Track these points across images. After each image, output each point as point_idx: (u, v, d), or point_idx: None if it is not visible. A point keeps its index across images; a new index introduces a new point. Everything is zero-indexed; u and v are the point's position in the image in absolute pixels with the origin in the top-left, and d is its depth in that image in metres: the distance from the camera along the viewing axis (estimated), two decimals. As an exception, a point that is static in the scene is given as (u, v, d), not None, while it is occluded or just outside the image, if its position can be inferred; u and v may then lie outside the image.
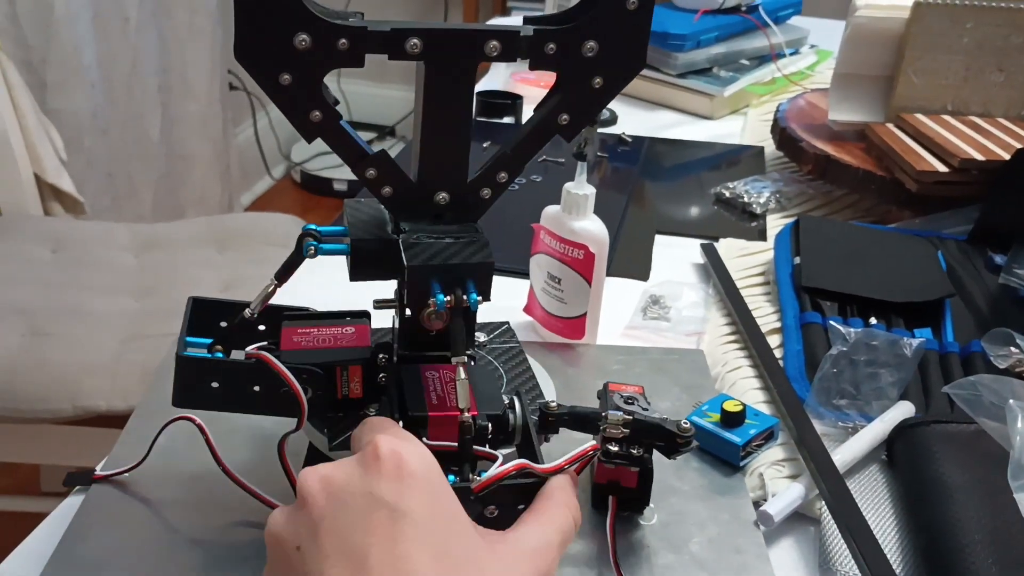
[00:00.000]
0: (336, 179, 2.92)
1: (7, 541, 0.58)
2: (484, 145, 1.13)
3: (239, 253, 1.54)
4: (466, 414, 0.48)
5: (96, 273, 1.45)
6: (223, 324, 0.56)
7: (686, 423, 0.53)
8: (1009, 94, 1.01)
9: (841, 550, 0.56)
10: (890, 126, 1.00)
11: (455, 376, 0.49)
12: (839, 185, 1.01)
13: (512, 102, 1.24)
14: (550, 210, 0.72)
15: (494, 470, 0.47)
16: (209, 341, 0.54)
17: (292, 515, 0.42)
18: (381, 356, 0.53)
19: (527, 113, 1.24)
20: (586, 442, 0.52)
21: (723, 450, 0.62)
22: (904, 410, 0.65)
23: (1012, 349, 0.69)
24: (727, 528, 0.57)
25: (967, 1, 0.98)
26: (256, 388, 0.51)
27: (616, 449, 0.54)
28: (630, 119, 1.27)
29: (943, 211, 0.93)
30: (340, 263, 0.53)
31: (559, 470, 0.49)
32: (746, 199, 1.02)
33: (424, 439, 0.49)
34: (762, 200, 1.01)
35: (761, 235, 0.96)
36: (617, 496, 0.55)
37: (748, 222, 1.00)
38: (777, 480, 0.61)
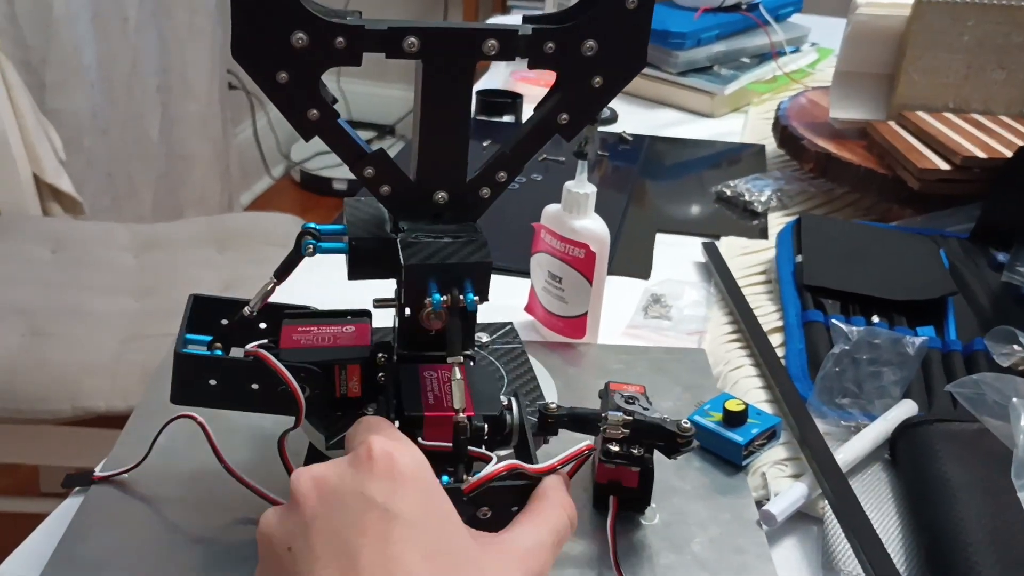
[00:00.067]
0: (336, 178, 2.92)
1: (6, 542, 0.58)
2: (484, 144, 1.13)
3: (239, 253, 1.54)
4: (461, 415, 0.48)
5: (96, 273, 1.45)
6: (224, 322, 0.55)
7: (686, 423, 0.53)
8: (1010, 92, 1.01)
9: (844, 549, 0.56)
10: (892, 124, 1.00)
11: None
12: (840, 183, 1.01)
13: (512, 100, 1.24)
14: (551, 209, 0.72)
15: (485, 471, 0.47)
16: (209, 338, 0.54)
17: (284, 515, 0.41)
18: (380, 355, 0.53)
19: (527, 112, 1.23)
20: (582, 443, 0.51)
21: (725, 449, 0.61)
22: (907, 409, 0.65)
23: (1015, 347, 0.68)
24: (729, 528, 0.57)
25: (968, -2, 0.98)
26: (254, 386, 0.51)
27: (617, 449, 0.54)
28: (630, 117, 1.27)
29: (945, 209, 0.92)
30: (342, 262, 0.53)
31: (551, 470, 0.48)
32: (747, 197, 1.01)
33: (420, 439, 0.48)
34: (763, 198, 1.01)
35: (762, 233, 0.96)
36: (618, 496, 0.55)
37: (749, 220, 0.99)
38: (780, 479, 0.61)
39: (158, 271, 1.47)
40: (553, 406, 0.54)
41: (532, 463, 0.49)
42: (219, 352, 0.54)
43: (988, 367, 0.69)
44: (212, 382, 0.51)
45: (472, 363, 0.54)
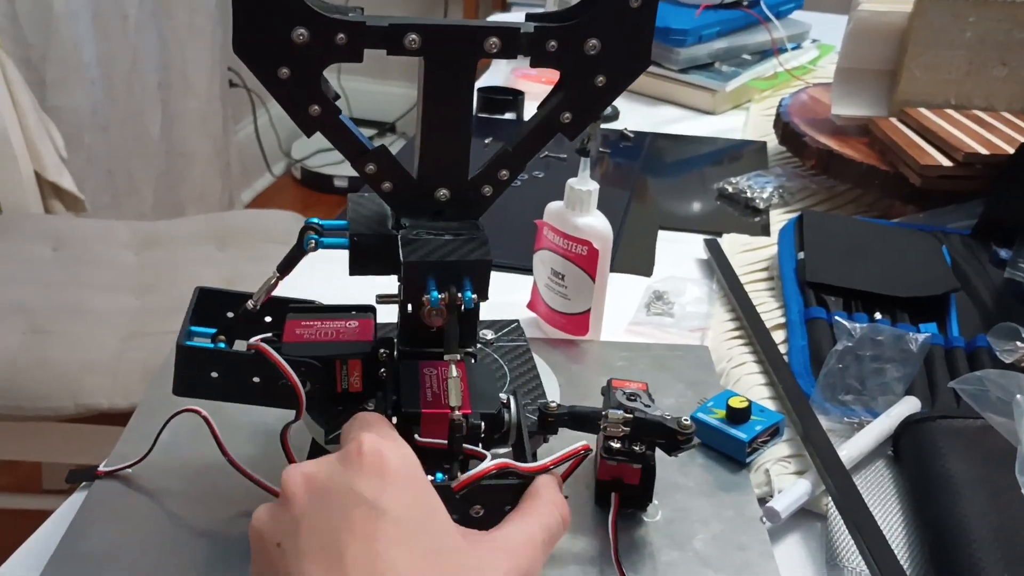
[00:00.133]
0: (336, 176, 2.92)
1: (8, 539, 0.58)
2: (486, 141, 1.13)
3: (240, 250, 1.53)
4: (457, 412, 0.48)
5: (97, 271, 1.45)
6: (229, 315, 0.56)
7: (686, 420, 0.53)
8: (1012, 88, 1.01)
9: (848, 546, 0.56)
10: (893, 120, 1.00)
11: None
12: (842, 180, 1.01)
13: (514, 98, 1.24)
14: (553, 206, 0.72)
15: (474, 468, 0.47)
16: (213, 331, 0.54)
17: (275, 512, 0.42)
18: (382, 351, 0.53)
19: (528, 109, 1.23)
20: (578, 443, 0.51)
21: (729, 446, 0.61)
22: (910, 405, 0.65)
23: (1018, 344, 0.68)
24: (731, 525, 0.57)
25: (970, -5, 0.98)
26: (256, 379, 0.51)
27: (618, 446, 0.54)
28: (632, 114, 1.27)
29: (947, 205, 0.92)
30: (347, 258, 0.53)
31: (544, 470, 0.48)
32: (749, 194, 1.01)
33: (416, 436, 0.48)
34: (765, 195, 1.01)
35: (764, 230, 0.96)
36: (620, 493, 0.55)
37: (751, 217, 0.99)
38: (783, 476, 0.61)
39: (159, 269, 1.47)
40: (553, 405, 0.53)
41: (527, 462, 0.49)
42: (222, 345, 0.54)
43: (991, 364, 0.69)
44: (213, 374, 0.51)
45: (473, 360, 0.54)
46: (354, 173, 0.51)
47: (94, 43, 1.98)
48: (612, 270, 0.73)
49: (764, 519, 0.57)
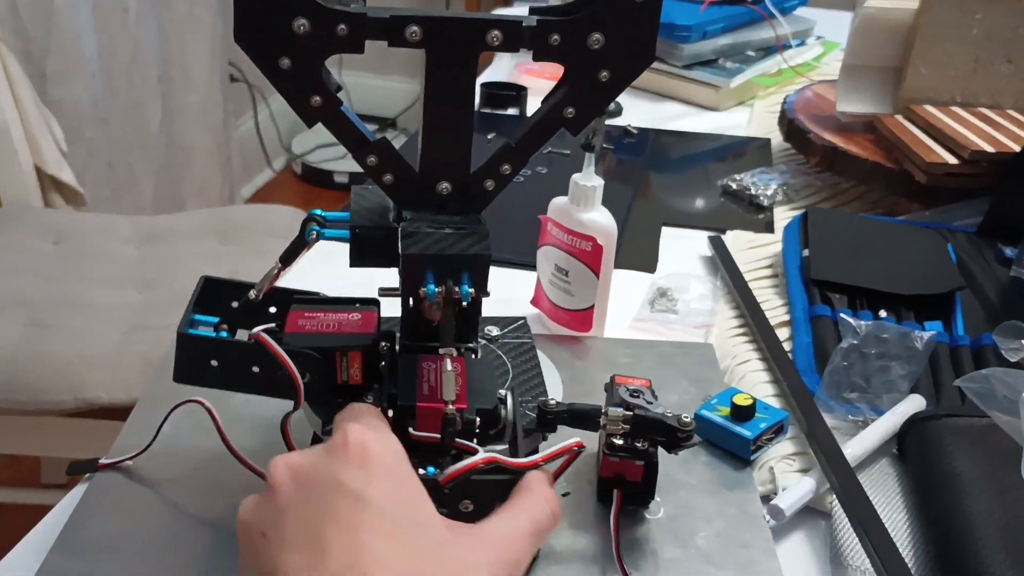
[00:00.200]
0: (337, 171, 2.91)
1: (7, 533, 0.57)
2: (488, 137, 1.13)
3: (240, 245, 1.53)
4: (450, 407, 0.48)
5: (97, 265, 1.44)
6: (234, 304, 0.56)
7: (687, 417, 0.52)
8: (1018, 85, 1.00)
9: (852, 544, 0.55)
10: (899, 118, 0.99)
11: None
12: (847, 177, 1.00)
13: (516, 93, 1.23)
14: (557, 202, 0.72)
15: (462, 462, 0.46)
16: (216, 320, 0.54)
17: (260, 502, 0.41)
18: (383, 344, 0.52)
19: (531, 104, 1.23)
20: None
21: (733, 444, 0.61)
22: (915, 403, 0.65)
23: (1023, 342, 0.68)
24: (734, 522, 0.56)
25: (977, -9, 0.97)
26: (255, 369, 0.51)
27: (621, 443, 0.53)
28: (635, 111, 1.26)
29: (952, 203, 0.92)
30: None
31: (534, 466, 0.48)
32: (753, 191, 1.01)
33: (411, 429, 0.48)
34: (769, 192, 1.01)
35: (768, 227, 0.95)
36: (622, 490, 0.54)
37: (755, 214, 0.99)
38: (787, 474, 0.60)
39: (160, 263, 1.47)
40: (552, 402, 0.53)
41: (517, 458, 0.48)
42: (224, 334, 0.54)
43: (996, 362, 0.69)
44: (213, 363, 0.52)
45: (475, 356, 0.54)
46: (355, 168, 0.51)
47: (94, 36, 1.97)
48: (616, 266, 0.72)
49: (768, 517, 0.57)
